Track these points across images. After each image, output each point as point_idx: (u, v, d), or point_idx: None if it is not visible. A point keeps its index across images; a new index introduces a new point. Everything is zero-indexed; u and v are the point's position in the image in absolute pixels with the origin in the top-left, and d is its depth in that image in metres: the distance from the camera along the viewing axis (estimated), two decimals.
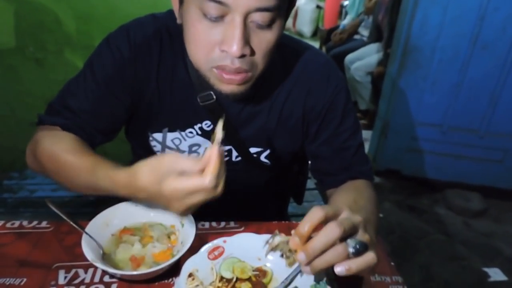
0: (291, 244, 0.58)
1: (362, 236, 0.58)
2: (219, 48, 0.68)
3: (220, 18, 0.65)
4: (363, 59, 3.45)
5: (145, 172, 0.62)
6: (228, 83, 0.72)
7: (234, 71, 0.69)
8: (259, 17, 0.65)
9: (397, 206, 2.53)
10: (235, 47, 0.65)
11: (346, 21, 4.20)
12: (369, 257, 0.57)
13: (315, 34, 6.42)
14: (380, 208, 2.43)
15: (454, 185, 2.66)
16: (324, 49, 4.34)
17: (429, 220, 2.44)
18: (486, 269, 2.07)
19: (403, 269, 2.04)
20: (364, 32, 3.85)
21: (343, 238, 0.56)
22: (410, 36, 2.39)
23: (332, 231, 0.55)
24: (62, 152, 0.76)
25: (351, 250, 0.56)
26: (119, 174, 0.66)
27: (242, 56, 0.67)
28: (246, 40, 0.66)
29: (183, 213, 0.65)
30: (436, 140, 2.63)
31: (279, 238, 0.62)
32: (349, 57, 3.56)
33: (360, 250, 0.56)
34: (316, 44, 4.90)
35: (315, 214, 0.57)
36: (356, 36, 3.94)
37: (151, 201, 0.65)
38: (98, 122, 0.84)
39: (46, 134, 0.82)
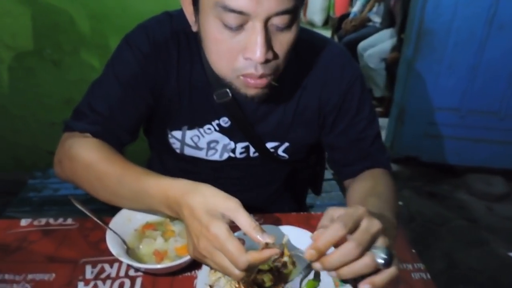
0: (308, 256, 0.56)
1: (382, 242, 0.57)
2: (242, 56, 0.68)
3: (240, 26, 0.65)
4: (376, 46, 3.41)
5: (207, 196, 0.60)
6: (254, 88, 0.72)
7: (258, 77, 0.69)
8: (279, 20, 0.65)
9: (416, 193, 2.51)
10: (258, 53, 0.65)
11: (356, 8, 4.14)
12: (392, 270, 0.56)
13: (326, 22, 6.35)
14: (400, 196, 2.41)
15: (475, 170, 2.63)
16: (336, 37, 4.29)
17: (450, 206, 2.42)
18: (511, 254, 2.04)
19: (425, 257, 2.01)
20: (376, 18, 3.79)
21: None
22: (424, 19, 2.35)
23: (349, 252, 0.54)
24: (101, 161, 0.75)
25: (380, 261, 0.54)
26: (175, 182, 0.65)
27: (266, 61, 0.67)
28: (269, 45, 0.66)
29: (196, 255, 0.61)
30: (455, 124, 2.59)
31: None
32: (362, 44, 3.52)
33: (389, 261, 0.55)
34: (328, 33, 4.85)
35: (335, 231, 0.54)
36: (368, 23, 3.88)
37: (184, 222, 0.62)
38: (125, 122, 0.84)
39: (78, 142, 0.80)
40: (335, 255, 0.54)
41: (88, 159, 0.76)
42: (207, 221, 0.57)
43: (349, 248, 0.54)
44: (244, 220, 0.57)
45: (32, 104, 2.26)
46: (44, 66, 2.15)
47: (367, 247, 0.55)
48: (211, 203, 0.59)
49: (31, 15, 2.02)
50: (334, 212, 0.59)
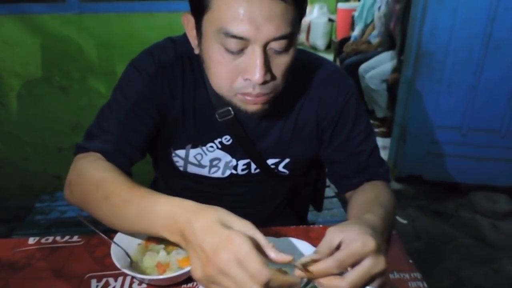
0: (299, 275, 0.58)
1: (379, 281, 0.59)
2: (242, 77, 0.72)
3: (241, 50, 0.70)
4: (377, 68, 3.46)
5: (221, 214, 0.59)
6: (253, 104, 0.76)
7: (255, 96, 0.74)
8: (277, 45, 0.70)
9: (421, 212, 2.50)
10: (257, 75, 0.69)
11: (356, 32, 4.24)
12: None
13: (329, 46, 6.46)
14: (405, 215, 2.42)
15: (479, 188, 2.62)
16: (338, 60, 4.37)
17: (455, 224, 2.40)
18: None
19: (432, 275, 2.01)
20: (376, 41, 3.87)
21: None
22: (422, 41, 2.40)
23: None
24: (110, 180, 0.76)
25: None
26: (185, 201, 0.64)
27: (265, 82, 0.72)
28: (267, 67, 0.71)
29: (209, 272, 0.55)
30: (456, 142, 2.61)
31: None
32: (363, 66, 3.58)
33: None
34: (330, 56, 4.93)
35: (329, 269, 0.57)
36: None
37: (193, 240, 0.58)
38: (134, 140, 0.87)
39: (88, 163, 0.82)
40: (327, 286, 0.57)
41: (97, 178, 0.78)
42: (228, 233, 0.55)
43: (342, 287, 0.56)
44: (262, 238, 0.57)
45: (40, 130, 2.31)
46: (53, 93, 2.22)
47: (363, 287, 0.57)
48: (227, 220, 0.58)
49: (41, 45, 2.10)
50: (334, 237, 0.59)
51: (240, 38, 0.67)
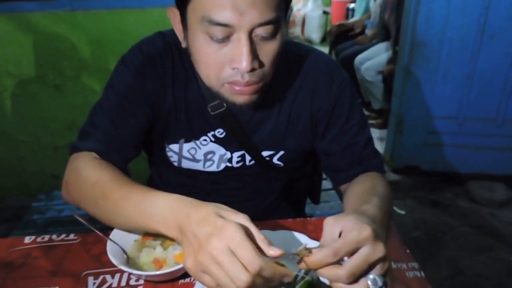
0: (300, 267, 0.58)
1: (381, 268, 0.58)
2: (229, 66, 0.71)
3: (226, 38, 0.69)
4: (373, 59, 3.46)
5: (219, 207, 0.60)
6: (240, 94, 0.75)
7: (244, 84, 0.73)
8: (263, 31, 0.69)
9: (419, 202, 2.51)
10: (244, 63, 0.68)
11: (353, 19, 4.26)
12: None
13: (324, 39, 6.45)
14: (403, 205, 2.43)
15: (477, 177, 2.62)
16: (333, 53, 4.36)
17: (453, 213, 2.41)
18: None
19: (431, 265, 2.02)
20: (370, 32, 3.87)
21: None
22: (416, 31, 2.40)
23: (340, 279, 0.56)
24: (108, 179, 0.77)
25: None
26: (185, 197, 0.65)
27: (252, 70, 0.71)
28: (254, 54, 0.70)
29: (200, 260, 0.55)
30: (453, 132, 2.61)
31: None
32: (359, 58, 3.57)
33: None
34: (325, 49, 4.92)
35: (326, 258, 0.56)
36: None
37: (187, 232, 0.59)
38: (128, 137, 0.86)
39: (84, 162, 0.82)
40: (327, 275, 0.57)
41: (95, 177, 0.78)
42: (222, 223, 0.55)
43: (341, 275, 0.55)
44: (256, 232, 0.57)
45: (35, 129, 2.30)
46: (47, 92, 2.21)
47: (362, 275, 0.56)
48: (223, 213, 0.59)
49: (34, 43, 2.09)
50: (334, 228, 0.60)
51: (224, 25, 0.67)
